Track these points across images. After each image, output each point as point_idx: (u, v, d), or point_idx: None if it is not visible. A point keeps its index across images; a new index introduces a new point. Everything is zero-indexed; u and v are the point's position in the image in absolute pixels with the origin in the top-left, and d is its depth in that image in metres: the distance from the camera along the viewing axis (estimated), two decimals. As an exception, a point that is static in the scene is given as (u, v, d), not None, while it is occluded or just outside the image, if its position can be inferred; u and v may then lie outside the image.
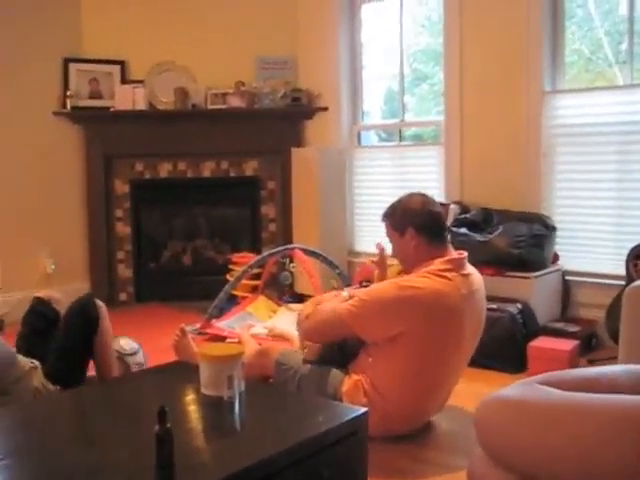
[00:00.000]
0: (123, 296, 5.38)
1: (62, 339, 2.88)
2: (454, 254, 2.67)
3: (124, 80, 5.21)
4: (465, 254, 2.70)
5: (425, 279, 2.53)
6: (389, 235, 2.75)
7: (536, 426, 1.21)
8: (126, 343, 3.21)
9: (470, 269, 2.70)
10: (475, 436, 1.84)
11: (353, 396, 2.60)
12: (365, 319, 2.56)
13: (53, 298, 3.10)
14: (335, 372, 2.72)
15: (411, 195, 2.75)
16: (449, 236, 2.76)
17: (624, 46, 4.06)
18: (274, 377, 2.81)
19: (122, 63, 5.22)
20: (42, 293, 3.13)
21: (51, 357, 2.81)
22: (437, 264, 2.58)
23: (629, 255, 3.62)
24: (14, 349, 2.77)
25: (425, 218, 2.64)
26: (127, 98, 5.09)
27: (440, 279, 2.54)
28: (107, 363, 2.97)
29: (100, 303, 2.96)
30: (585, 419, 1.10)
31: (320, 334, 2.77)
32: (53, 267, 5.04)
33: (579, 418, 1.13)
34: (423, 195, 2.75)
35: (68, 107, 5.02)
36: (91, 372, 2.99)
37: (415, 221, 2.64)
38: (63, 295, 3.20)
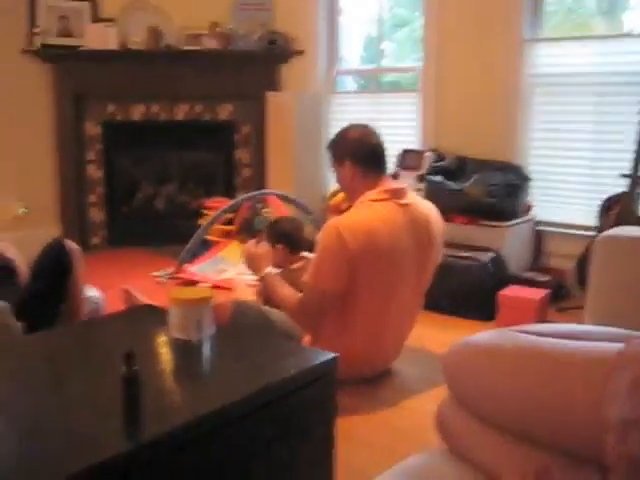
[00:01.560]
0: (95, 240, 5.32)
1: (33, 284, 2.85)
2: (392, 184, 2.72)
3: (95, 18, 5.06)
4: (405, 185, 2.75)
5: (357, 212, 2.60)
6: (332, 165, 2.81)
7: (503, 370, 1.21)
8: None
9: (412, 199, 2.73)
10: (444, 381, 1.86)
11: (314, 340, 2.66)
12: (325, 272, 2.57)
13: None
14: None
15: (351, 126, 2.80)
16: (388, 167, 2.81)
17: (606, -5, 4.01)
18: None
19: (93, 0, 5.05)
20: None
21: (21, 301, 2.78)
22: (373, 194, 2.64)
23: (602, 206, 3.64)
24: None
25: (362, 149, 2.70)
26: (98, 37, 4.95)
27: (371, 209, 2.59)
28: (78, 306, 2.95)
29: (73, 246, 2.91)
30: (553, 363, 1.11)
31: (312, 318, 2.70)
32: (25, 210, 4.96)
33: (543, 360, 1.13)
34: (364, 126, 2.80)
35: (36, 45, 4.86)
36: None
37: (352, 152, 2.69)
38: (32, 238, 3.15)
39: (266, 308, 2.84)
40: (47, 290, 2.82)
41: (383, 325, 2.73)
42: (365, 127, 2.79)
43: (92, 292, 3.15)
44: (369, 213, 2.60)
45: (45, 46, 4.90)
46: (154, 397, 1.57)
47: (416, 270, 2.72)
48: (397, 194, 2.67)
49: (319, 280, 2.58)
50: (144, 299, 3.30)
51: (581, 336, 1.21)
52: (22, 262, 3.08)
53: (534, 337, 1.22)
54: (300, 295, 2.66)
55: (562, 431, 1.12)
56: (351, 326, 2.67)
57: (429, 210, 2.80)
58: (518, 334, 1.26)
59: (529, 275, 3.88)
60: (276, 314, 2.79)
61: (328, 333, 2.67)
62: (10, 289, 2.94)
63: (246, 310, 2.79)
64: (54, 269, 2.84)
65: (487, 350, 1.26)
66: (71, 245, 2.91)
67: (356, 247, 2.52)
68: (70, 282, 2.87)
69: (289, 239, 3.03)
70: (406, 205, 2.67)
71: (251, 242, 2.96)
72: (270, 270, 2.81)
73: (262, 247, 2.91)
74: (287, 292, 2.72)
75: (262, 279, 2.83)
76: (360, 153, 2.70)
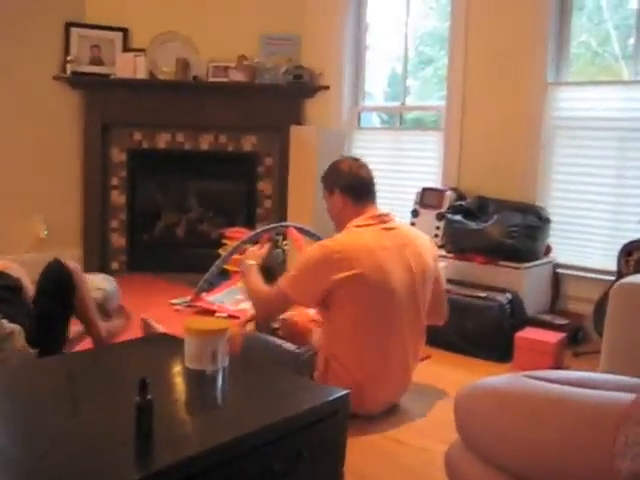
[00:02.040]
0: (115, 265, 5.37)
1: (37, 307, 2.85)
2: (377, 212, 2.82)
3: (126, 48, 5.17)
4: (391, 215, 2.84)
5: (344, 236, 2.72)
6: (323, 195, 2.93)
7: (513, 416, 1.21)
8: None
9: (398, 225, 2.85)
10: (455, 422, 1.86)
11: (323, 376, 2.68)
12: (300, 284, 2.68)
13: (7, 267, 3.08)
14: (304, 354, 2.79)
15: (343, 159, 3.00)
16: (375, 198, 2.89)
17: (632, 41, 4.03)
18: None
19: (125, 30, 5.17)
20: None
21: (28, 324, 2.80)
22: (359, 220, 2.75)
23: (621, 251, 3.62)
24: None
25: (350, 180, 2.82)
26: (128, 66, 5.05)
27: (357, 233, 2.70)
28: (91, 319, 2.96)
29: (72, 264, 2.91)
30: (563, 413, 1.10)
31: (270, 314, 2.94)
32: (46, 232, 5.03)
33: (552, 409, 1.13)
34: (354, 159, 2.96)
35: (68, 72, 4.98)
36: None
37: (341, 183, 2.82)
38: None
39: (275, 340, 2.90)
40: (51, 312, 2.83)
41: (385, 356, 2.72)
42: (356, 160, 2.94)
43: (102, 283, 3.16)
44: (354, 237, 2.69)
45: (76, 73, 5.00)
46: (166, 426, 1.58)
47: (407, 292, 2.73)
48: (382, 219, 2.79)
49: (293, 291, 2.68)
50: (162, 329, 3.32)
51: (593, 384, 1.21)
52: (28, 282, 3.11)
53: (547, 384, 1.22)
54: (268, 290, 2.79)
55: (572, 480, 1.11)
56: (357, 359, 2.68)
57: (416, 234, 2.91)
58: (531, 380, 1.26)
59: (546, 318, 3.85)
60: (285, 345, 2.84)
61: (335, 368, 2.68)
62: (20, 310, 2.96)
63: (256, 343, 2.84)
64: (56, 290, 2.83)
65: (500, 396, 1.25)
66: (71, 264, 2.91)
67: (340, 267, 2.59)
68: (77, 301, 2.89)
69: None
70: (391, 229, 2.77)
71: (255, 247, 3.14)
72: (252, 262, 2.99)
73: (262, 250, 3.09)
74: (257, 282, 2.88)
75: (242, 264, 3.03)
76: (349, 184, 2.82)
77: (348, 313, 2.66)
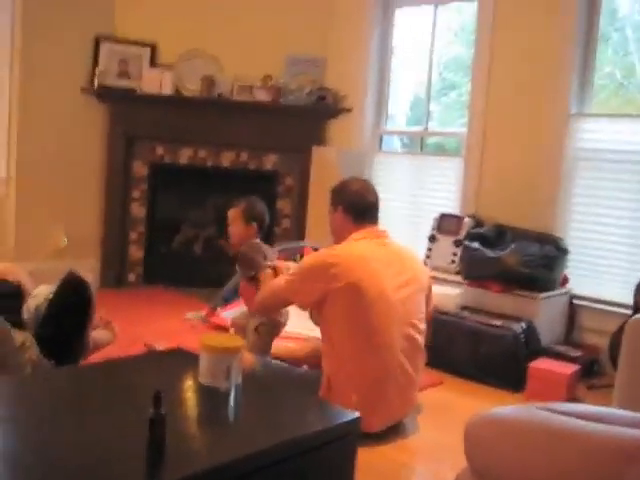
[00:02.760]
0: (131, 277, 5.41)
1: (56, 321, 2.80)
2: (375, 230, 2.97)
3: (153, 63, 5.24)
4: (386, 232, 3.00)
5: (342, 247, 2.89)
6: (329, 209, 3.07)
7: (520, 446, 1.21)
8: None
9: (392, 242, 2.98)
10: (464, 450, 1.85)
11: (327, 397, 2.73)
12: (296, 284, 2.86)
13: (4, 274, 3.06)
14: (312, 375, 2.91)
15: (355, 179, 3.10)
16: (377, 221, 3.02)
17: (657, 74, 4.04)
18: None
19: (153, 46, 5.24)
20: None
21: (44, 335, 2.79)
22: (357, 235, 2.91)
23: (638, 285, 3.60)
24: (8, 324, 2.76)
25: (356, 201, 2.96)
26: (154, 81, 5.12)
27: (354, 245, 2.86)
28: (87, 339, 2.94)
29: (89, 279, 2.89)
30: (568, 444, 1.11)
31: (266, 308, 3.13)
32: (66, 241, 5.09)
33: (562, 442, 1.13)
34: (364, 181, 3.11)
35: (96, 85, 5.05)
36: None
37: (346, 201, 2.96)
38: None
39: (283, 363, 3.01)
40: (71, 325, 2.82)
41: (384, 366, 2.76)
42: (365, 182, 3.10)
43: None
44: (352, 247, 2.86)
45: (103, 87, 5.08)
46: (178, 441, 1.60)
47: (401, 302, 2.81)
48: (378, 235, 2.95)
49: (290, 292, 2.88)
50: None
51: (608, 420, 1.21)
52: (29, 282, 3.08)
53: (560, 417, 1.22)
54: (272, 284, 3.03)
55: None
56: (357, 370, 2.74)
57: (409, 251, 3.07)
58: (544, 412, 1.26)
59: (561, 349, 3.83)
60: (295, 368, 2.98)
61: (336, 385, 2.74)
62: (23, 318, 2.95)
63: (267, 364, 2.90)
64: (75, 303, 2.80)
65: (511, 427, 1.25)
66: (86, 278, 2.88)
67: (336, 275, 2.72)
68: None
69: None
70: (386, 244, 2.94)
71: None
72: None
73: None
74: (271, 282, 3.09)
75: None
76: (353, 205, 2.96)
77: (344, 324, 2.74)
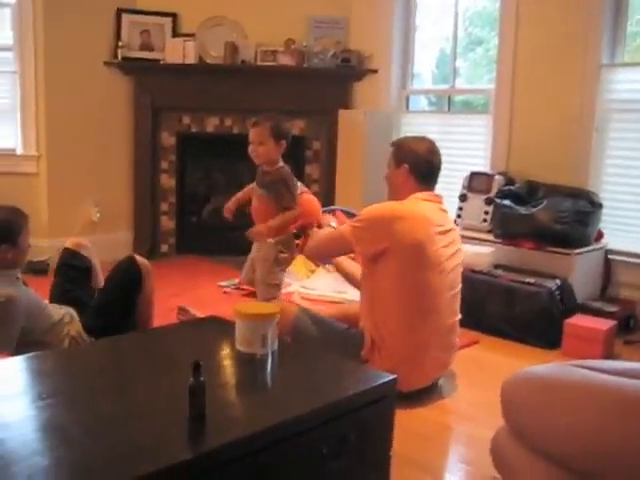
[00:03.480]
0: (164, 247, 5.46)
1: (103, 298, 2.95)
2: (434, 194, 2.95)
3: (175, 33, 5.21)
4: (442, 197, 2.98)
5: (410, 203, 2.84)
6: (389, 161, 2.99)
7: (563, 407, 1.21)
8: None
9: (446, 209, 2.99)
10: (501, 409, 1.85)
11: (371, 357, 2.76)
12: (361, 231, 2.82)
13: (81, 246, 3.16)
14: (355, 333, 2.86)
15: (422, 139, 3.01)
16: (435, 185, 2.98)
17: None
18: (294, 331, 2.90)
19: (174, 16, 5.21)
20: (70, 243, 3.17)
21: (90, 312, 2.86)
22: (422, 195, 2.87)
23: (675, 237, 3.55)
24: (44, 300, 2.81)
25: (422, 163, 2.90)
26: (177, 51, 5.10)
27: (422, 205, 2.84)
28: (148, 319, 3.03)
29: (144, 261, 2.99)
30: (606, 402, 1.10)
31: (323, 250, 3.18)
32: (98, 215, 5.14)
33: (600, 400, 1.12)
34: (431, 143, 2.98)
35: (119, 57, 5.05)
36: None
37: (413, 161, 2.89)
38: (105, 243, 3.25)
39: (325, 318, 3.00)
40: (116, 305, 2.89)
41: (428, 333, 2.78)
42: (433, 144, 2.98)
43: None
44: (419, 206, 2.83)
45: (127, 59, 5.08)
46: (217, 408, 1.62)
47: (450, 269, 2.83)
48: (438, 200, 2.93)
49: (354, 238, 2.82)
50: (199, 315, 3.38)
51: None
52: (97, 263, 3.19)
53: (596, 374, 1.21)
54: (330, 230, 3.15)
55: (629, 475, 1.10)
56: (401, 326, 2.76)
57: (455, 229, 3.03)
58: (580, 370, 1.25)
59: (597, 305, 3.79)
60: (336, 324, 2.94)
61: (379, 343, 2.77)
62: (86, 292, 3.04)
63: (307, 320, 2.93)
64: (124, 285, 2.93)
65: (547, 385, 1.25)
66: (142, 261, 2.99)
67: (403, 228, 2.71)
68: (140, 298, 2.95)
69: None
70: (444, 211, 2.95)
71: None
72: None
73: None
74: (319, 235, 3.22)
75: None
76: (419, 166, 2.89)
77: (398, 284, 2.74)
